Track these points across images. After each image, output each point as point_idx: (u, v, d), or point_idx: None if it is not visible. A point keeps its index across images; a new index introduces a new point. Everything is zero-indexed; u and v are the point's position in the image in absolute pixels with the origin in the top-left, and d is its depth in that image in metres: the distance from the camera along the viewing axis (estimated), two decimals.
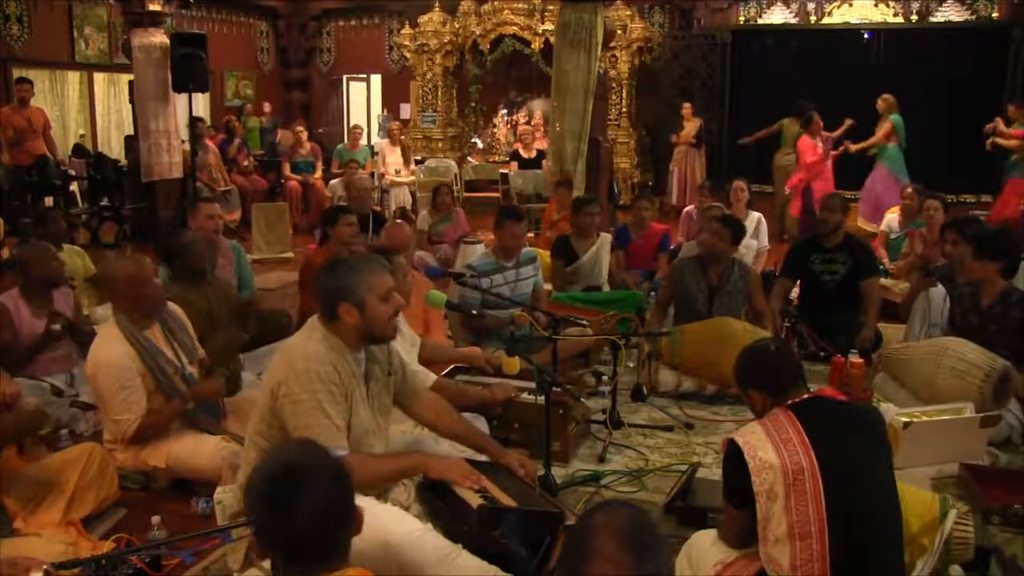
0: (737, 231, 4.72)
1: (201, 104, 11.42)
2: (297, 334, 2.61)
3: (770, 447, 2.15)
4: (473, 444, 2.85)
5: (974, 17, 10.97)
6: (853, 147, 8.73)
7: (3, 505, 2.93)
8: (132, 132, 8.96)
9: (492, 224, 4.77)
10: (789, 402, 2.27)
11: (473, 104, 12.31)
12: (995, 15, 10.91)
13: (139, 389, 3.17)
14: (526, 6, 11.01)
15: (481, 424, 3.29)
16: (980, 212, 8.23)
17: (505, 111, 12.61)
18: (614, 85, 10.98)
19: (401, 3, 13.06)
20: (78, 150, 10.12)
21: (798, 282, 5.22)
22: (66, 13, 10.33)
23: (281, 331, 4.42)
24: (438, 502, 2.56)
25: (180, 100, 8.34)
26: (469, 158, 11.91)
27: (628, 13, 11.14)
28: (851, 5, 11.40)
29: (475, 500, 2.43)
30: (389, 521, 2.31)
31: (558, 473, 3.31)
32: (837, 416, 2.28)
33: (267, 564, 1.60)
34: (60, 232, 5.21)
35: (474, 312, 3.98)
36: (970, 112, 9.38)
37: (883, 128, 8.53)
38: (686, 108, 10.63)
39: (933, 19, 11.09)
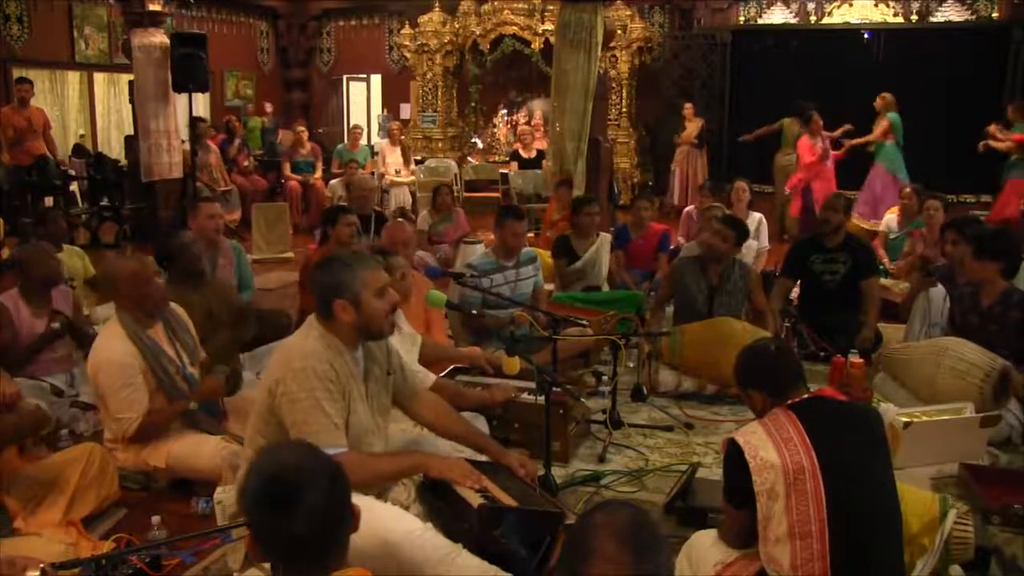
0: (741, 232, 4.74)
1: (201, 104, 11.42)
2: (295, 333, 2.61)
3: (771, 447, 2.15)
4: (473, 444, 2.85)
5: (974, 17, 10.97)
6: (849, 142, 8.73)
7: (3, 505, 2.93)
8: (132, 132, 8.96)
9: (492, 224, 4.77)
10: (789, 402, 2.27)
11: (473, 104, 12.32)
12: (995, 15, 10.91)
13: (141, 387, 3.17)
14: (526, 6, 11.01)
15: (481, 424, 3.29)
16: (980, 212, 8.24)
17: (505, 111, 12.61)
18: (614, 85, 10.98)
19: (401, 3, 13.06)
20: (78, 150, 10.13)
21: (798, 282, 5.22)
22: (66, 13, 10.34)
23: (281, 331, 4.41)
24: (438, 502, 2.56)
25: (180, 100, 8.35)
26: (469, 158, 11.91)
27: (628, 13, 11.14)
28: (851, 5, 11.40)
29: (476, 500, 2.43)
30: (389, 520, 2.31)
31: (558, 473, 3.31)
32: (837, 416, 2.28)
33: (267, 564, 1.58)
34: (60, 232, 5.21)
35: (474, 312, 3.98)
36: (970, 112, 9.38)
37: (880, 126, 8.54)
38: (688, 108, 10.62)
39: (933, 19, 11.09)
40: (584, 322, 4.17)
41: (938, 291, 4.60)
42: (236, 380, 3.65)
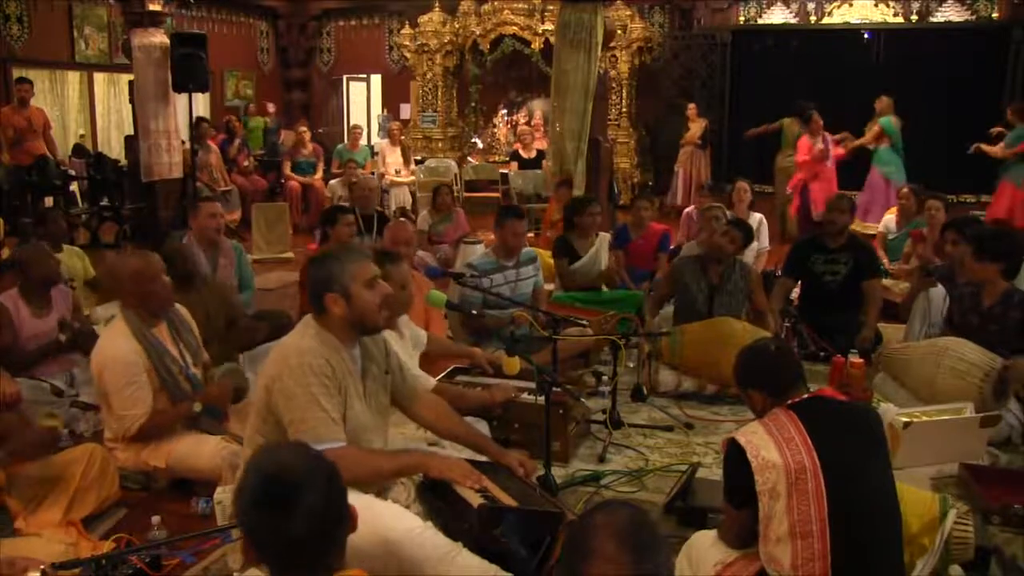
0: (748, 235, 4.76)
1: (201, 104, 11.42)
2: (291, 332, 2.61)
3: (772, 446, 2.15)
4: (472, 445, 2.85)
5: (974, 17, 10.97)
6: (849, 145, 8.74)
7: (4, 505, 2.93)
8: (132, 132, 8.95)
9: (492, 224, 4.77)
10: (789, 402, 2.27)
11: (473, 104, 12.32)
12: (995, 15, 10.91)
13: (145, 386, 3.17)
14: (526, 6, 11.01)
15: (482, 427, 3.29)
16: (980, 212, 8.23)
17: (505, 111, 12.61)
18: (614, 85, 10.98)
19: (401, 3, 13.06)
20: (78, 150, 10.12)
21: (799, 282, 5.22)
22: (66, 13, 10.33)
23: (281, 331, 4.40)
24: (438, 501, 2.55)
25: (180, 100, 8.34)
26: (469, 158, 11.91)
27: (628, 13, 11.14)
28: (851, 5, 11.41)
29: (476, 499, 2.43)
30: (390, 518, 2.31)
31: (558, 473, 3.30)
32: (837, 416, 2.28)
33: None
34: (60, 232, 5.21)
35: (474, 312, 3.98)
36: (970, 112, 9.39)
37: (871, 131, 8.56)
38: (691, 109, 10.58)
39: (933, 19, 11.09)
40: (584, 322, 4.17)
41: (938, 291, 4.60)
42: (242, 391, 3.64)
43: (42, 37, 10.03)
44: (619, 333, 3.91)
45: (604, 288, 5.55)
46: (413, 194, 10.31)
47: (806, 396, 2.29)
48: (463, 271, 4.54)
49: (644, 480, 3.42)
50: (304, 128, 10.61)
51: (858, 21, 11.39)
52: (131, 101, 8.31)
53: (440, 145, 11.72)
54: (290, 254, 8.33)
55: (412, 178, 10.44)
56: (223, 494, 2.74)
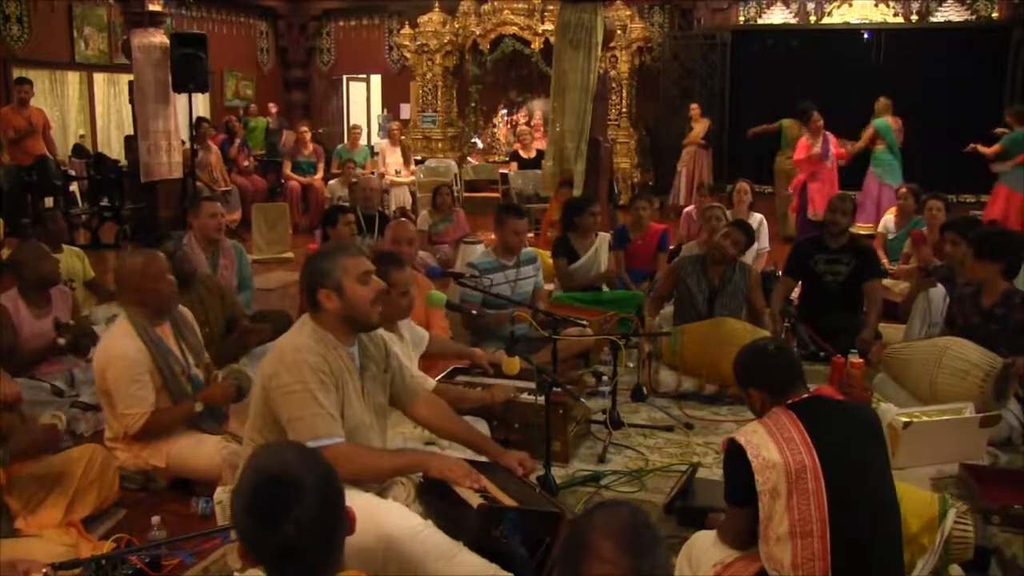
0: (751, 237, 4.79)
1: (201, 104, 11.42)
2: (288, 331, 2.62)
3: (772, 446, 2.15)
4: (472, 445, 2.85)
5: (974, 17, 10.98)
6: (851, 149, 8.76)
7: (4, 505, 2.92)
8: (132, 132, 8.96)
9: (492, 224, 4.77)
10: (789, 401, 2.27)
11: (473, 104, 12.32)
12: (995, 15, 10.91)
13: (148, 384, 3.17)
14: (526, 6, 11.02)
15: (482, 427, 3.29)
16: (979, 212, 8.23)
17: (505, 111, 12.61)
18: (614, 85, 10.98)
19: (401, 3, 13.07)
20: (78, 150, 10.13)
21: (799, 282, 5.22)
22: (66, 13, 10.34)
23: (281, 331, 4.41)
24: (438, 502, 2.55)
25: (180, 100, 8.35)
26: (469, 158, 11.91)
27: (628, 13, 11.15)
28: (851, 5, 11.41)
29: (475, 500, 2.43)
30: (391, 516, 2.31)
31: (558, 473, 3.31)
32: (836, 415, 2.28)
33: None
34: (59, 232, 5.20)
35: (474, 312, 3.97)
36: (970, 112, 9.38)
37: (867, 133, 8.57)
38: (695, 109, 10.55)
39: (933, 19, 11.10)
40: (584, 322, 4.17)
41: (938, 291, 4.60)
42: (245, 390, 3.64)
43: (42, 37, 10.04)
44: (619, 333, 3.90)
45: (604, 288, 5.55)
46: (413, 194, 10.31)
47: (805, 396, 2.29)
48: (463, 271, 4.54)
49: (644, 480, 3.42)
50: (305, 128, 10.61)
51: (858, 21, 11.40)
52: (131, 101, 8.32)
53: (440, 145, 11.72)
54: (290, 254, 8.33)
55: (412, 178, 10.44)
56: (223, 494, 2.73)
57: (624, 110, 11.29)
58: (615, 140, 10.88)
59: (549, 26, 10.33)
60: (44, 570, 2.20)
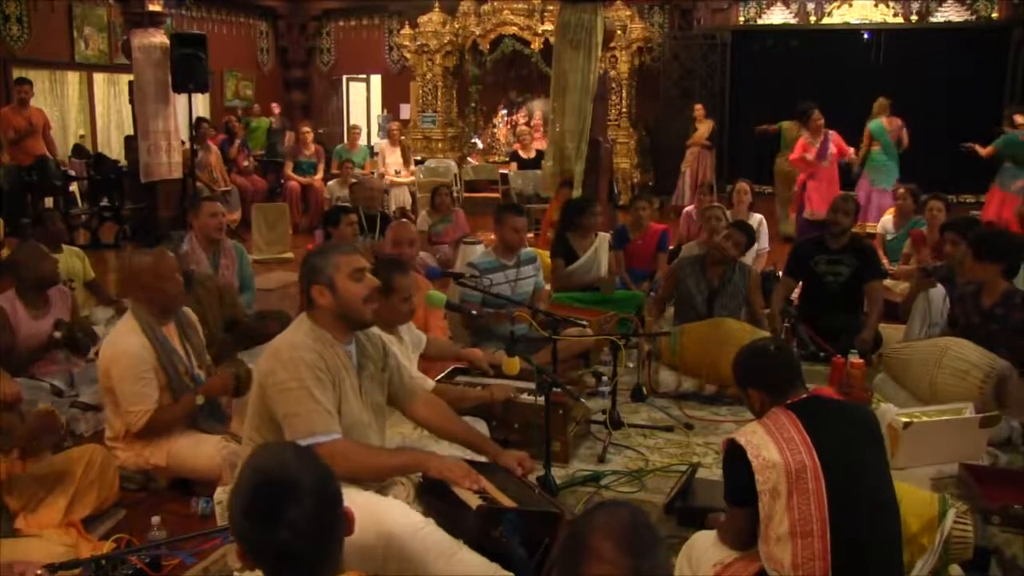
0: (751, 238, 4.79)
1: (201, 104, 11.42)
2: (285, 330, 2.62)
3: (772, 446, 2.15)
4: (471, 445, 2.85)
5: (974, 17, 10.98)
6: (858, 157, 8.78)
7: (4, 505, 2.93)
8: (132, 132, 8.96)
9: (492, 224, 4.76)
10: (788, 402, 2.27)
11: (473, 104, 12.32)
12: (995, 15, 10.92)
13: (152, 382, 3.18)
14: (526, 6, 11.02)
15: (481, 427, 3.29)
16: (979, 212, 8.24)
17: (505, 111, 12.62)
18: (614, 85, 10.98)
19: (401, 3, 13.07)
20: (78, 150, 10.13)
21: (799, 282, 5.22)
22: (66, 13, 10.34)
23: (281, 331, 4.41)
24: (437, 502, 2.55)
25: (180, 100, 8.35)
26: (469, 158, 11.92)
27: (628, 13, 11.15)
28: (851, 5, 11.41)
29: (474, 500, 2.43)
30: (393, 514, 2.31)
31: (558, 473, 3.31)
32: (835, 415, 2.28)
33: None
34: (58, 233, 5.20)
35: (474, 312, 3.97)
36: (970, 112, 9.39)
37: (865, 135, 8.59)
38: (698, 109, 10.52)
39: (933, 19, 11.10)
40: (584, 322, 4.17)
41: (938, 291, 4.60)
42: (244, 382, 3.64)
43: (42, 37, 10.04)
44: (619, 333, 3.90)
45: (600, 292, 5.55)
46: (413, 194, 10.31)
47: (804, 396, 2.29)
48: (463, 271, 4.54)
49: (644, 480, 3.42)
50: (307, 128, 10.61)
51: (858, 21, 11.40)
52: (131, 101, 8.33)
53: (440, 145, 11.72)
54: (290, 254, 8.33)
55: (412, 178, 10.44)
56: (223, 494, 2.73)
57: (624, 110, 11.29)
58: (615, 140, 10.88)
59: (549, 26, 10.33)
60: (39, 571, 2.19)
